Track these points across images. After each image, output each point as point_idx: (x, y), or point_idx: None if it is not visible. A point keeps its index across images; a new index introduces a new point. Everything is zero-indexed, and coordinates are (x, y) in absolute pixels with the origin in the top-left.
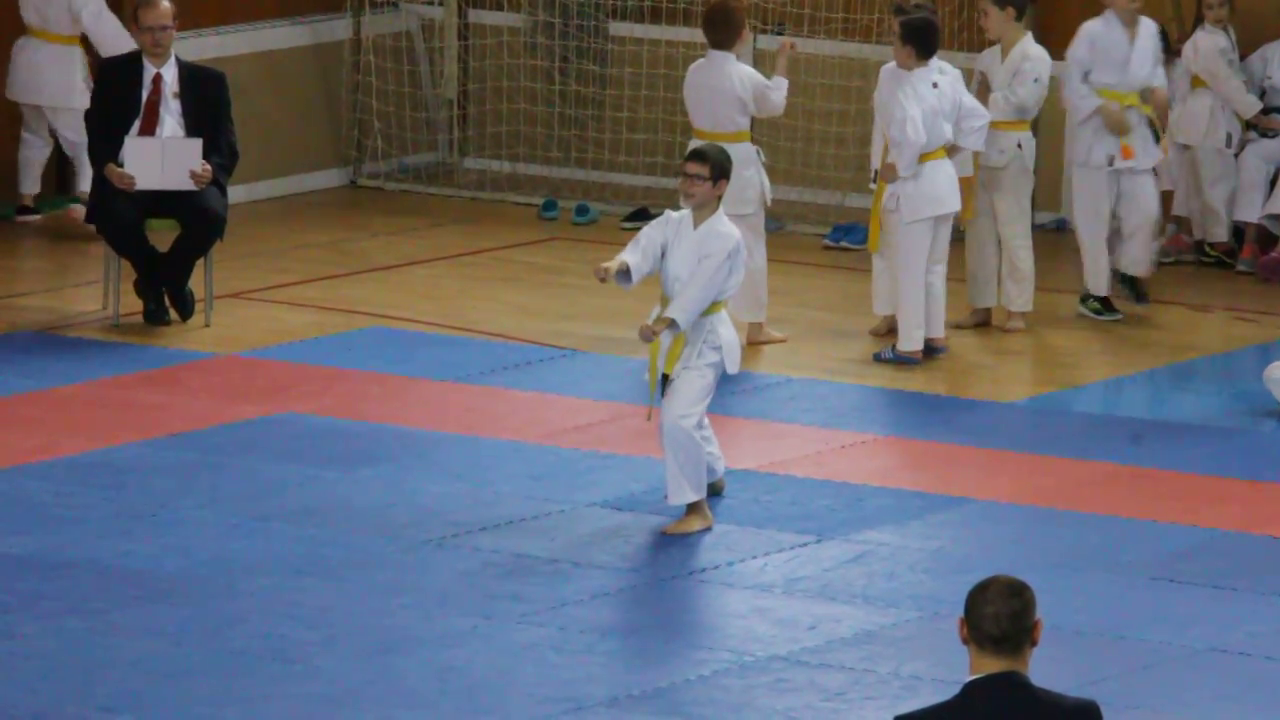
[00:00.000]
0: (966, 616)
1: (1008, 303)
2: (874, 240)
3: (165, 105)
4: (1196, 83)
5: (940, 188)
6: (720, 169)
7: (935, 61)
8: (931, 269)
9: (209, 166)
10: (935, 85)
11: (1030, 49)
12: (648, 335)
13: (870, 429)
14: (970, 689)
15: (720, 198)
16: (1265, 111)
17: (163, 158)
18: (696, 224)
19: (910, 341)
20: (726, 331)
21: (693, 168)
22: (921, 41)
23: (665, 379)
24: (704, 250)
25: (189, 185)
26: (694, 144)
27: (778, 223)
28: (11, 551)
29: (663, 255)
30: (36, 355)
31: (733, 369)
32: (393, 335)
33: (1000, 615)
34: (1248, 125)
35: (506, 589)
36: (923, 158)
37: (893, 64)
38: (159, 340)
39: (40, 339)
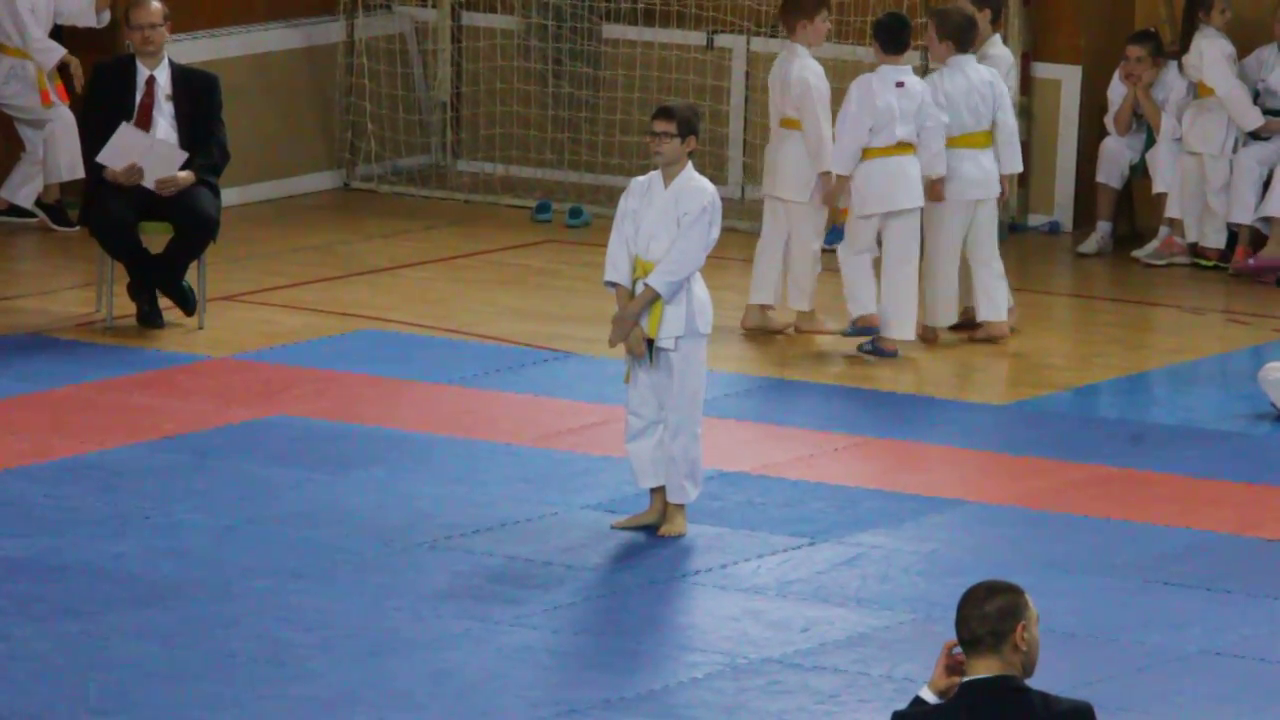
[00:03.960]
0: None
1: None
2: None
3: (158, 108)
4: (1204, 90)
5: (890, 184)
6: (687, 125)
7: (932, 69)
8: (898, 269)
9: (180, 181)
10: (901, 84)
11: (990, 49)
12: (635, 349)
13: (863, 431)
14: (965, 690)
15: (691, 154)
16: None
17: (146, 153)
18: (667, 182)
19: (861, 309)
20: (700, 290)
21: (660, 125)
22: (883, 37)
23: (650, 344)
24: (680, 208)
25: (153, 186)
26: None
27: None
28: (5, 554)
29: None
30: (30, 358)
31: (706, 329)
32: (386, 338)
33: (970, 618)
34: None
35: (500, 592)
36: (871, 153)
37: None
38: (152, 343)
39: (33, 341)
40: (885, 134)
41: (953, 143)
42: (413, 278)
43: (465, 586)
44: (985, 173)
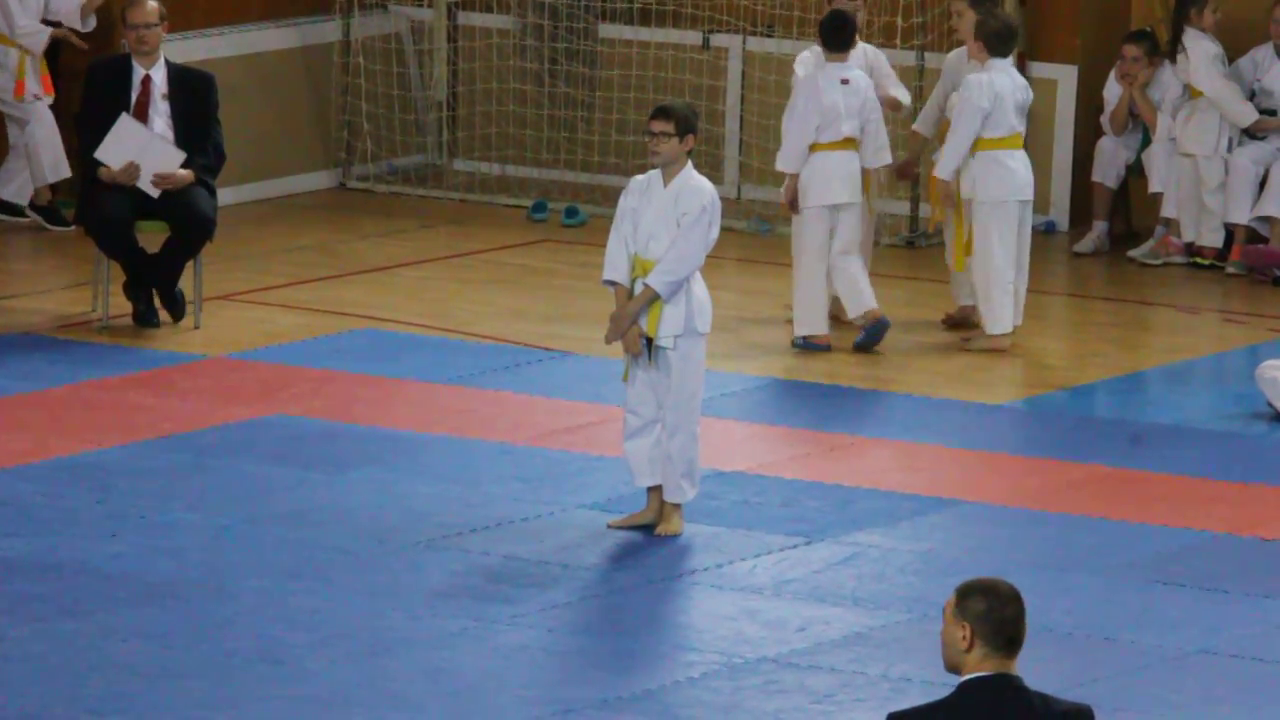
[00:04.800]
0: (978, 622)
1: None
2: (959, 261)
3: (154, 107)
4: (1195, 92)
5: (833, 178)
6: (686, 124)
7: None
8: (847, 259)
9: (179, 178)
10: (846, 81)
11: None
12: (632, 347)
13: (860, 430)
14: (966, 688)
15: (689, 153)
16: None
17: (144, 149)
18: (666, 181)
19: (810, 326)
20: (699, 289)
21: (657, 125)
22: (826, 35)
23: (649, 342)
24: (680, 208)
25: (148, 185)
26: None
27: (768, 225)
28: (1, 554)
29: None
30: (26, 357)
31: (704, 328)
32: (382, 337)
33: (1020, 619)
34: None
35: (496, 591)
36: (818, 148)
37: (960, 51)
38: (148, 342)
39: (30, 341)
40: (832, 130)
41: (1003, 143)
42: (409, 277)
43: (462, 586)
44: (1029, 172)
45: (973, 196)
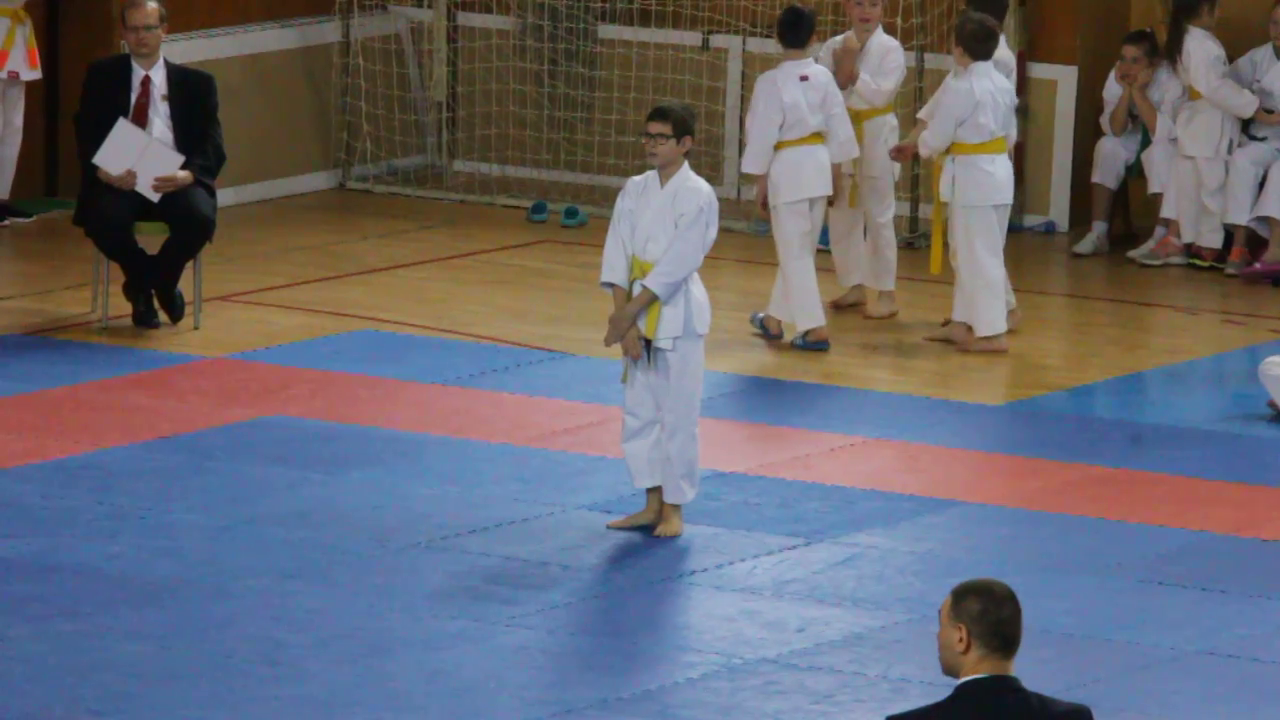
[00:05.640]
0: (974, 623)
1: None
2: (935, 261)
3: (154, 108)
4: (1196, 94)
5: (802, 171)
6: (683, 126)
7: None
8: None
9: (179, 180)
10: (805, 78)
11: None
12: (632, 350)
13: (859, 431)
14: (963, 690)
15: (687, 154)
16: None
17: (142, 154)
18: (663, 182)
19: (809, 320)
20: (697, 291)
21: (655, 127)
22: (783, 32)
23: (648, 344)
24: (676, 209)
25: (147, 190)
26: None
27: (766, 225)
28: (0, 554)
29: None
30: (25, 358)
31: (703, 329)
32: (382, 338)
33: (1016, 619)
34: (1243, 127)
35: (496, 592)
36: (785, 144)
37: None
38: (148, 343)
39: (29, 342)
40: (798, 127)
41: (983, 148)
42: (408, 278)
43: (461, 587)
44: (1009, 176)
45: (951, 200)
